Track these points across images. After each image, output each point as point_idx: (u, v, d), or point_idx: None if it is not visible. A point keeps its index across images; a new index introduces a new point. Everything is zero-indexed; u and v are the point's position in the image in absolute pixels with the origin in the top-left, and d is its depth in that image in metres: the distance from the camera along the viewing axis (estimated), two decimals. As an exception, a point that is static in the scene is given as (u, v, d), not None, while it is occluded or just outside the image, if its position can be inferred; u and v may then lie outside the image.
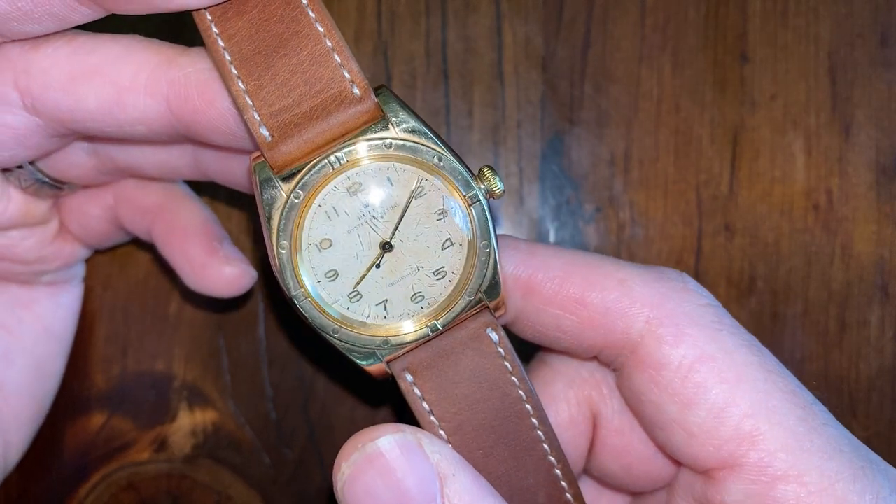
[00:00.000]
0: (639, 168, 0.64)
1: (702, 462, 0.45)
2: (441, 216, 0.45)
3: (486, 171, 0.45)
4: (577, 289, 0.47)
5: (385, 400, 0.64)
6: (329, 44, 0.43)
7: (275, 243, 0.44)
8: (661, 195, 0.64)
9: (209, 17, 0.43)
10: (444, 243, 0.45)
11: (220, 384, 0.64)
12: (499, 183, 0.45)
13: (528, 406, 0.46)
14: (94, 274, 0.63)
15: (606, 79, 0.64)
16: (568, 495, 0.48)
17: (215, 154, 0.51)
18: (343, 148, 0.44)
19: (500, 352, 0.46)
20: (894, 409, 0.63)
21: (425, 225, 0.45)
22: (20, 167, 0.51)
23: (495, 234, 0.45)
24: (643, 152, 0.64)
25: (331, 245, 0.45)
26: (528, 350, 0.53)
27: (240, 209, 0.64)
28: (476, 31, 0.64)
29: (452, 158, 0.45)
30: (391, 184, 0.44)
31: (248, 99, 0.43)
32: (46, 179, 0.53)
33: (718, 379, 0.44)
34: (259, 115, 0.43)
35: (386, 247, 0.45)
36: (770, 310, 0.64)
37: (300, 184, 0.44)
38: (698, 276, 0.64)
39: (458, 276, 0.46)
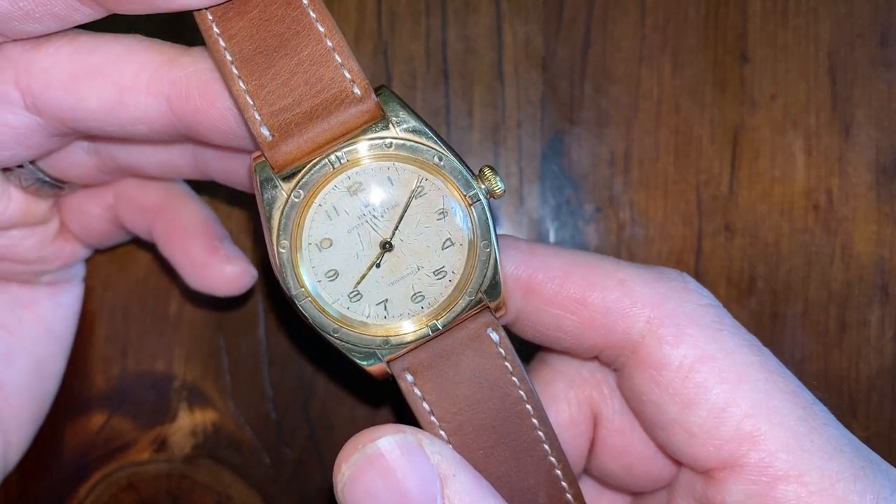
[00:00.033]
0: (639, 168, 0.64)
1: (702, 462, 0.45)
2: (441, 216, 0.45)
3: (487, 171, 0.45)
4: (578, 289, 0.47)
5: (385, 400, 0.64)
6: (330, 44, 0.43)
7: (275, 243, 0.44)
8: (661, 195, 0.64)
9: (210, 17, 0.43)
10: (444, 243, 0.45)
11: (220, 384, 0.64)
12: (499, 183, 0.45)
13: (528, 406, 0.46)
14: (94, 274, 0.63)
15: (606, 79, 0.64)
16: (568, 496, 0.48)
17: (216, 153, 0.51)
18: (343, 147, 0.44)
19: (500, 352, 0.46)
20: (894, 409, 0.63)
21: (425, 224, 0.45)
22: (21, 166, 0.51)
23: (496, 234, 0.45)
24: (643, 152, 0.64)
25: (331, 244, 0.45)
26: (528, 350, 0.53)
27: (240, 208, 0.64)
28: (476, 31, 0.64)
29: (453, 158, 0.45)
30: (391, 183, 0.45)
31: (248, 99, 0.43)
32: (47, 179, 0.53)
33: (719, 379, 0.44)
34: (260, 115, 0.43)
35: (386, 246, 0.45)
36: (770, 310, 0.64)
37: (300, 183, 0.44)
38: (698, 276, 0.64)
39: (459, 276, 0.46)
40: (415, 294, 0.46)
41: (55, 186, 0.54)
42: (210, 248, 0.55)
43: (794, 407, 0.44)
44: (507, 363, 0.46)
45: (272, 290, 0.64)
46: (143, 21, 0.46)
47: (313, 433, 0.64)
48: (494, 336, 0.46)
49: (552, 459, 0.47)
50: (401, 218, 0.45)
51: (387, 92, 0.45)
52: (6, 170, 0.51)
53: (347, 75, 0.43)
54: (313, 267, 0.45)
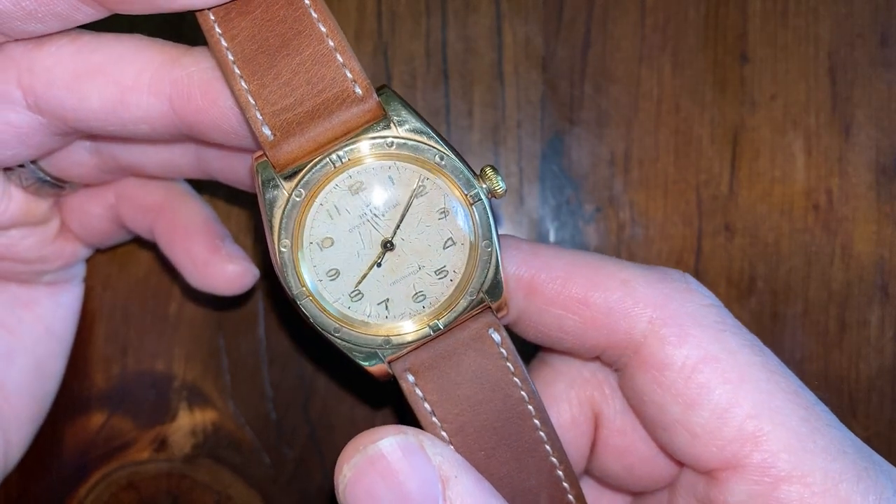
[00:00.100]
0: (639, 168, 0.64)
1: (704, 463, 0.45)
2: (443, 215, 0.45)
3: (488, 171, 0.45)
4: (580, 289, 0.47)
5: (386, 399, 0.64)
6: (331, 44, 0.43)
7: (276, 242, 0.44)
8: (661, 195, 0.64)
9: (212, 18, 0.43)
10: (445, 242, 0.45)
11: (220, 384, 0.64)
12: (500, 182, 0.45)
13: (530, 407, 0.46)
14: (94, 274, 0.63)
15: (606, 79, 0.64)
16: (570, 496, 0.48)
17: (218, 153, 0.51)
18: (345, 146, 0.44)
19: (502, 352, 0.46)
20: (894, 409, 0.64)
21: (427, 224, 0.45)
22: (22, 166, 0.51)
23: (497, 234, 0.45)
24: (643, 152, 0.64)
25: (332, 244, 0.45)
26: (528, 350, 0.53)
27: (240, 207, 0.64)
28: (476, 31, 0.64)
29: (454, 158, 0.45)
30: (393, 182, 0.45)
31: (250, 98, 0.43)
32: (48, 178, 0.53)
33: (722, 379, 0.44)
34: (261, 115, 0.43)
35: (387, 245, 0.45)
36: (770, 310, 0.64)
37: (302, 182, 0.44)
38: (698, 276, 0.64)
39: (460, 276, 0.46)
40: (416, 293, 0.46)
41: (56, 186, 0.54)
42: (212, 247, 0.55)
43: (796, 407, 0.44)
44: (508, 364, 0.46)
45: (272, 289, 0.64)
46: (145, 21, 0.46)
47: (314, 433, 0.64)
48: (496, 336, 0.46)
49: (554, 460, 0.47)
50: (402, 217, 0.45)
51: (388, 92, 0.45)
52: (7, 169, 0.51)
53: (349, 75, 0.43)
54: (314, 266, 0.45)
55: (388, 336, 0.46)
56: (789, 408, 0.43)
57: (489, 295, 0.46)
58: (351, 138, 0.44)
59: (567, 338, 0.48)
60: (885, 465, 0.44)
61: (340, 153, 0.44)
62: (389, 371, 0.46)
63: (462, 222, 0.45)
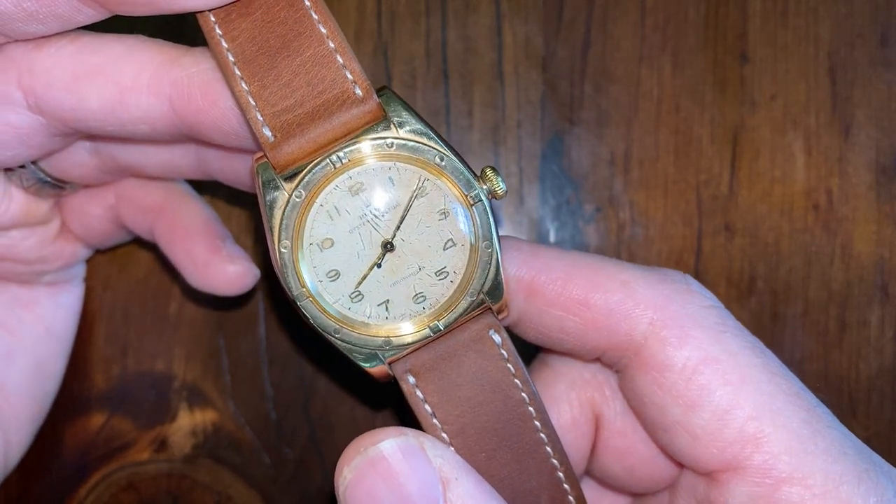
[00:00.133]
0: (639, 168, 0.64)
1: (705, 464, 0.45)
2: (443, 216, 0.45)
3: (489, 172, 0.45)
4: (581, 290, 0.47)
5: (386, 400, 0.64)
6: (332, 45, 0.43)
7: (276, 242, 0.44)
8: (661, 195, 0.64)
9: (213, 19, 0.43)
10: (445, 243, 0.45)
11: (220, 384, 0.64)
12: (501, 184, 0.45)
13: (530, 409, 0.46)
14: (94, 274, 0.63)
15: (606, 79, 0.64)
16: (570, 498, 0.48)
17: (218, 153, 0.51)
18: (345, 147, 0.44)
19: (502, 354, 0.46)
20: (894, 409, 0.64)
21: (427, 224, 0.45)
22: (22, 167, 0.51)
23: (497, 235, 0.45)
24: (643, 152, 0.64)
25: (332, 244, 0.45)
26: (529, 351, 0.53)
27: (241, 208, 0.64)
28: (476, 31, 0.64)
29: (454, 158, 0.45)
30: (393, 183, 0.45)
31: (250, 99, 0.43)
32: (48, 179, 0.53)
33: (722, 381, 0.44)
34: (262, 116, 0.43)
35: (387, 246, 0.45)
36: (770, 310, 0.64)
37: (302, 183, 0.44)
38: (698, 276, 0.64)
39: (460, 277, 0.46)
40: (416, 295, 0.46)
41: (56, 186, 0.54)
42: (212, 248, 0.55)
43: (797, 409, 0.44)
44: (509, 365, 0.46)
45: (272, 289, 0.64)
46: (145, 21, 0.46)
47: (314, 433, 0.64)
48: (497, 338, 0.46)
49: (554, 462, 0.47)
50: (402, 218, 0.45)
51: (388, 93, 0.45)
52: (8, 170, 0.51)
53: (349, 76, 0.44)
54: (314, 267, 0.45)
55: (388, 337, 0.46)
56: (790, 409, 0.43)
57: (490, 296, 0.46)
58: (351, 139, 0.44)
59: (568, 339, 0.48)
60: (885, 467, 0.44)
61: (341, 154, 0.44)
62: (390, 372, 0.46)
63: (462, 223, 0.45)
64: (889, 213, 0.63)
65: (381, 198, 0.45)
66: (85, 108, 0.45)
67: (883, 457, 0.45)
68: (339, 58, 0.43)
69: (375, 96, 0.44)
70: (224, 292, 0.56)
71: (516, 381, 0.46)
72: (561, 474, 0.47)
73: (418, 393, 0.46)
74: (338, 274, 0.45)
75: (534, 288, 0.47)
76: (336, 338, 0.45)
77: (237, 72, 0.43)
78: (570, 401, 0.51)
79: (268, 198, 0.44)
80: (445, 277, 0.46)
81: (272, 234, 0.44)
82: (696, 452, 0.45)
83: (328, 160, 0.44)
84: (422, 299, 0.46)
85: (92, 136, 0.51)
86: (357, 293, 0.45)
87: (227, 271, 0.55)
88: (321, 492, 0.64)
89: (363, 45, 0.64)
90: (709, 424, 0.44)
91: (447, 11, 0.64)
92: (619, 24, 0.64)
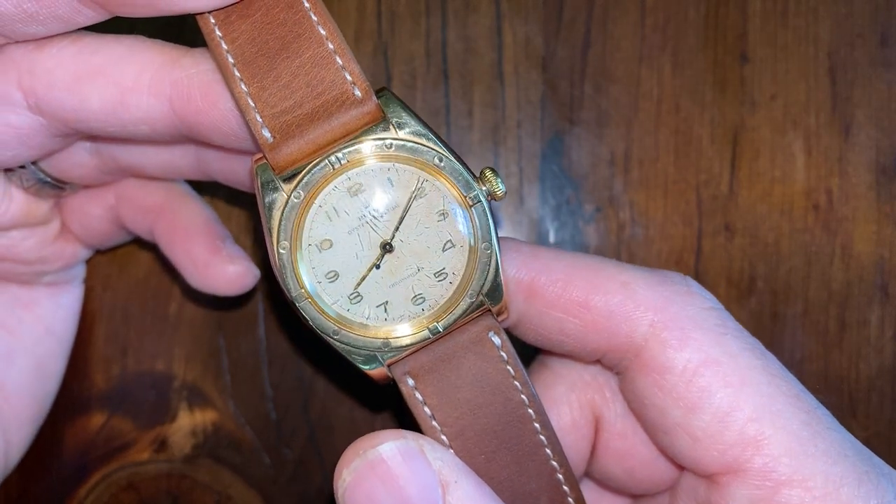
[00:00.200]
0: (639, 168, 0.64)
1: (705, 466, 0.45)
2: (442, 217, 0.45)
3: (488, 173, 0.45)
4: (581, 292, 0.47)
5: (385, 401, 0.64)
6: (331, 46, 0.43)
7: (275, 243, 0.44)
8: (661, 195, 0.64)
9: (212, 21, 0.43)
10: (444, 244, 0.45)
11: (220, 384, 0.64)
12: (500, 185, 0.45)
13: (530, 411, 0.46)
14: (94, 274, 0.63)
15: (606, 79, 0.64)
16: (570, 500, 0.48)
17: (218, 154, 0.51)
18: (344, 148, 0.44)
19: (502, 356, 0.46)
20: (894, 409, 0.64)
21: (426, 225, 0.45)
22: (22, 167, 0.51)
23: (497, 236, 0.45)
24: (643, 152, 0.64)
25: (331, 245, 0.45)
26: (528, 353, 0.53)
27: (240, 208, 0.64)
28: (476, 31, 0.64)
29: (453, 159, 0.45)
30: (392, 184, 0.45)
31: (250, 101, 0.43)
32: (48, 179, 0.53)
33: (723, 383, 0.44)
34: (261, 117, 0.43)
35: (386, 247, 0.45)
36: (770, 310, 0.64)
37: (301, 184, 0.44)
38: (698, 276, 0.64)
39: (460, 278, 0.46)
40: (415, 296, 0.46)
41: (56, 187, 0.54)
42: (212, 248, 0.56)
43: (797, 411, 0.44)
44: (508, 367, 0.46)
45: (272, 290, 0.64)
46: (145, 22, 0.46)
47: (313, 434, 0.64)
48: (496, 340, 0.46)
49: (554, 464, 0.47)
50: (401, 219, 0.45)
51: (388, 94, 0.45)
52: (8, 170, 0.51)
53: (348, 77, 0.44)
54: (313, 268, 0.45)
55: (387, 338, 0.45)
56: (790, 411, 0.43)
57: (489, 298, 0.46)
58: (350, 140, 0.44)
59: (568, 341, 0.48)
60: (885, 469, 0.44)
61: (340, 155, 0.44)
62: (389, 374, 0.46)
63: (461, 224, 0.45)
64: (889, 213, 0.63)
65: (380, 199, 0.45)
66: (86, 109, 0.45)
67: (882, 457, 0.45)
68: (338, 59, 0.43)
69: (374, 97, 0.44)
70: (224, 292, 0.56)
71: (516, 383, 0.46)
72: (561, 476, 0.47)
73: (417, 395, 0.46)
74: (336, 275, 0.45)
75: (533, 289, 0.47)
76: (335, 339, 0.45)
77: (237, 73, 0.43)
78: (570, 402, 0.51)
79: (267, 199, 0.44)
80: (444, 279, 0.46)
81: (271, 235, 0.44)
82: (696, 455, 0.45)
83: (327, 161, 0.44)
84: (421, 300, 0.46)
85: (92, 137, 0.51)
86: (356, 294, 0.45)
87: (227, 271, 0.55)
88: (321, 492, 0.64)
89: (363, 45, 0.64)
90: (709, 427, 0.44)
91: (447, 11, 0.64)
92: (619, 24, 0.64)
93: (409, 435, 0.43)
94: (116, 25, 0.46)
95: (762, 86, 0.64)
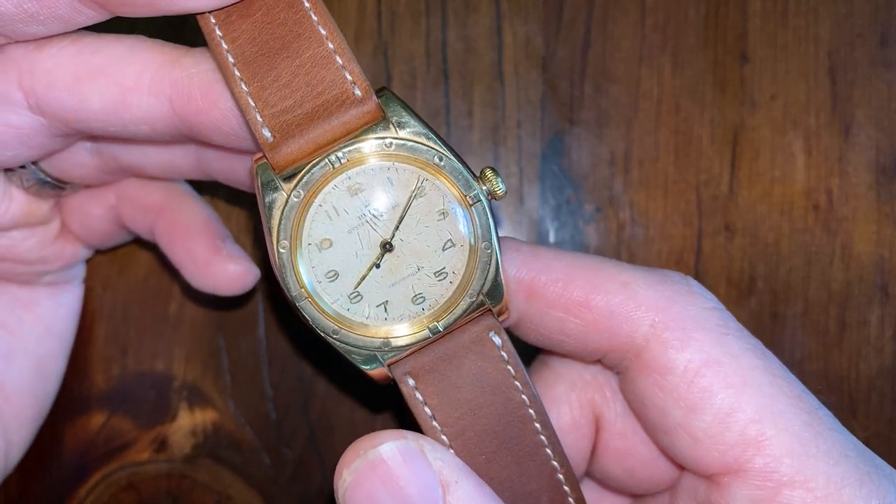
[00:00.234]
0: (639, 168, 0.64)
1: (706, 467, 0.45)
2: (442, 216, 0.45)
3: (488, 173, 0.45)
4: (581, 292, 0.47)
5: (385, 402, 0.64)
6: (331, 46, 0.43)
7: (275, 243, 0.44)
8: (661, 195, 0.64)
9: (213, 21, 0.43)
10: (444, 244, 0.45)
11: (220, 384, 0.64)
12: (500, 184, 0.45)
13: (530, 411, 0.46)
14: (94, 274, 0.63)
15: (606, 79, 0.64)
16: (571, 500, 0.48)
17: (218, 154, 0.51)
18: (344, 147, 0.44)
19: (502, 356, 0.46)
20: (894, 409, 0.64)
21: (426, 224, 0.45)
22: (23, 167, 0.51)
23: (497, 236, 0.45)
24: (643, 152, 0.64)
25: (331, 245, 0.45)
26: (529, 352, 0.53)
27: (240, 208, 0.64)
28: (476, 31, 0.64)
29: (453, 159, 0.45)
30: (392, 183, 0.45)
31: (250, 100, 0.43)
32: (49, 179, 0.53)
33: (724, 383, 0.44)
34: (261, 117, 0.43)
35: (386, 247, 0.45)
36: (770, 310, 0.64)
37: (301, 183, 0.44)
38: (698, 276, 0.64)
39: (460, 277, 0.46)
40: (415, 295, 0.45)
41: (57, 187, 0.54)
42: (213, 248, 0.56)
43: (798, 412, 0.43)
44: (509, 367, 0.46)
45: (272, 290, 0.64)
46: (145, 22, 0.46)
47: (313, 434, 0.64)
48: (497, 340, 0.46)
49: (554, 464, 0.47)
50: (401, 218, 0.45)
51: (388, 93, 0.45)
52: (8, 170, 0.51)
53: (349, 77, 0.44)
54: (313, 267, 0.45)
55: (386, 338, 0.45)
56: (792, 412, 0.43)
57: (490, 297, 0.46)
58: (350, 139, 0.44)
59: (568, 341, 0.48)
60: (887, 469, 0.44)
61: (340, 154, 0.44)
62: (389, 374, 0.46)
63: (461, 224, 0.45)
64: (889, 213, 0.63)
65: (379, 198, 0.45)
66: (87, 109, 0.45)
67: (883, 457, 0.45)
68: (338, 59, 0.43)
69: (374, 97, 0.44)
70: (224, 292, 0.56)
71: (516, 383, 0.46)
72: (561, 476, 0.47)
73: (418, 395, 0.46)
74: (336, 274, 0.45)
75: (534, 289, 0.47)
76: (335, 339, 0.45)
77: (237, 73, 0.43)
78: (571, 402, 0.51)
79: (267, 198, 0.44)
80: (445, 278, 0.46)
81: (271, 235, 0.44)
82: (697, 455, 0.45)
83: (327, 160, 0.44)
84: (421, 300, 0.46)
85: (93, 137, 0.51)
86: (356, 294, 0.45)
87: (228, 271, 0.55)
88: (320, 492, 0.64)
89: (363, 45, 0.64)
90: (710, 427, 0.44)
91: (447, 11, 0.64)
92: (619, 24, 0.64)
93: (410, 435, 0.43)
94: (116, 25, 0.46)
95: (762, 86, 0.64)
